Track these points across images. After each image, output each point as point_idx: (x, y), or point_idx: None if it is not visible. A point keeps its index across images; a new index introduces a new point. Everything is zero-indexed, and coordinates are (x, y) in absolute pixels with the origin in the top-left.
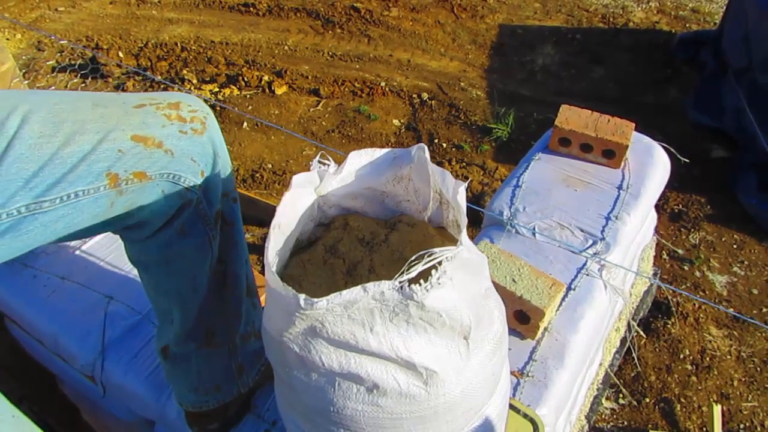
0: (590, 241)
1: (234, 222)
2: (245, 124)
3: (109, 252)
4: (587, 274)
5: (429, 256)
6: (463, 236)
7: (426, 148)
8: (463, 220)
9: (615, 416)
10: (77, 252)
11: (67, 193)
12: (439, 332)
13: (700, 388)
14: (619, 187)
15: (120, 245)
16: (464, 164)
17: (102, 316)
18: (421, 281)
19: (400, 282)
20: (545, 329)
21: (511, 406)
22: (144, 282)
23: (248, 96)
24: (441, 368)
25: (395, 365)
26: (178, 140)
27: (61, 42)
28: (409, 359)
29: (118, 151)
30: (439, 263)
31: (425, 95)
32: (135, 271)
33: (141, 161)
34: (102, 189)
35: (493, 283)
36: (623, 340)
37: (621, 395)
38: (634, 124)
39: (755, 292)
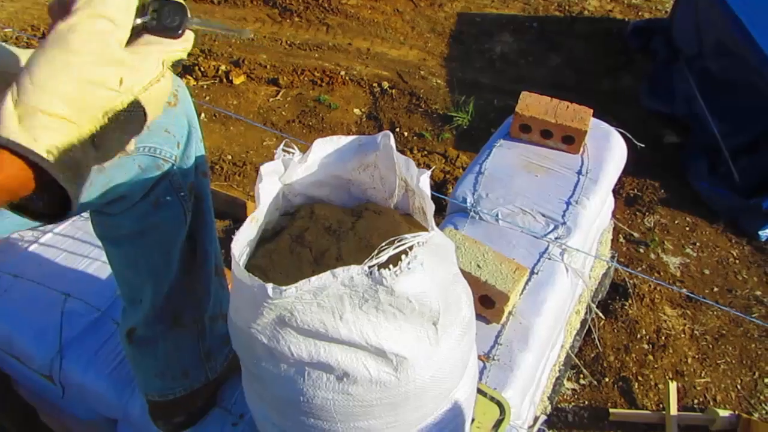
0: (552, 226)
1: (204, 197)
2: (203, 115)
3: (64, 248)
4: (549, 258)
5: (400, 242)
6: (432, 222)
7: (391, 135)
8: (430, 207)
9: (576, 396)
10: (31, 248)
11: None
12: (408, 318)
13: (656, 366)
14: (579, 172)
15: (75, 240)
16: (426, 153)
17: (59, 314)
18: (391, 266)
19: (369, 267)
20: (510, 313)
21: (479, 390)
22: (114, 259)
23: (205, 86)
24: (411, 354)
25: (365, 353)
26: None
27: (5, 30)
28: (379, 346)
29: None
30: (410, 248)
31: (385, 84)
32: (93, 266)
33: None
34: None
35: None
36: (583, 322)
37: (582, 376)
38: (592, 110)
39: (707, 272)
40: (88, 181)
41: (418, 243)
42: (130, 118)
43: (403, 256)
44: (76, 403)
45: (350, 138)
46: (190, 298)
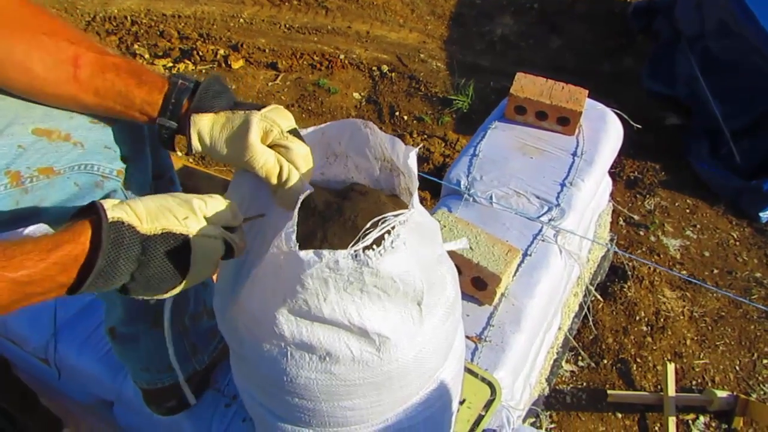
0: (545, 208)
1: None
2: None
3: None
4: (543, 240)
5: (383, 222)
6: (415, 200)
7: (358, 122)
8: (414, 185)
9: (574, 378)
10: (24, 232)
11: None
12: (392, 299)
13: (654, 348)
14: (574, 154)
15: None
16: (425, 136)
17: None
18: (374, 246)
19: (355, 250)
20: (502, 295)
21: (470, 371)
22: None
23: (204, 71)
24: (394, 334)
25: (348, 333)
26: (88, 131)
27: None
28: (362, 326)
29: (18, 146)
30: (392, 228)
31: (385, 67)
32: None
33: (46, 156)
34: (2, 189)
35: (451, 250)
36: (581, 305)
37: (580, 358)
38: (587, 91)
39: (707, 254)
40: (14, 201)
41: (399, 221)
42: (175, 252)
43: (386, 235)
44: (73, 385)
45: (309, 130)
46: (167, 301)
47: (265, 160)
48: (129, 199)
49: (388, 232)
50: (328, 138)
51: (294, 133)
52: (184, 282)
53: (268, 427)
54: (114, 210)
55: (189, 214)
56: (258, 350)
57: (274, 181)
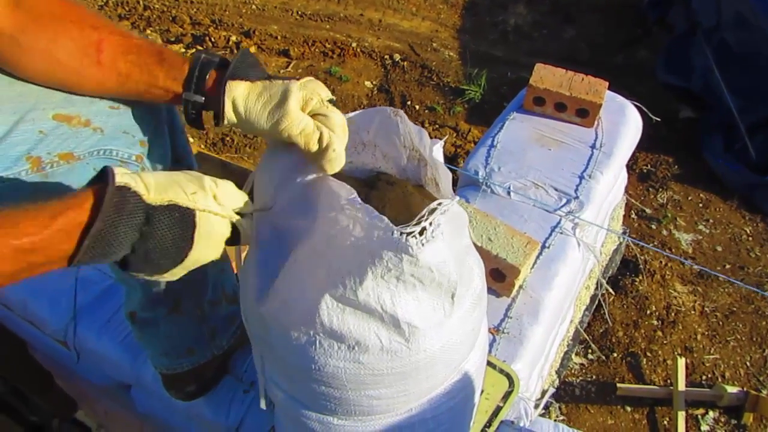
0: (564, 200)
1: None
2: None
3: None
4: (561, 233)
5: (431, 212)
6: (450, 190)
7: (388, 110)
8: (445, 175)
9: (584, 371)
10: None
11: None
12: (426, 289)
13: (665, 342)
14: (593, 146)
15: None
16: (437, 126)
17: (73, 280)
18: (417, 235)
19: (401, 232)
20: (520, 287)
21: (488, 362)
22: None
23: None
24: (423, 324)
25: (378, 322)
26: (108, 117)
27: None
28: (394, 314)
29: (39, 132)
30: (433, 217)
31: (397, 56)
32: None
33: (66, 141)
34: (23, 174)
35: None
36: (593, 298)
37: (590, 351)
38: (607, 83)
39: (719, 249)
40: (35, 186)
41: (441, 211)
42: (180, 225)
43: (428, 225)
44: (91, 368)
45: None
46: (186, 286)
47: (304, 125)
48: (141, 171)
49: (430, 221)
50: (357, 127)
51: (332, 103)
52: (186, 260)
53: (291, 414)
54: (123, 176)
55: (198, 190)
56: (286, 338)
57: (313, 146)
